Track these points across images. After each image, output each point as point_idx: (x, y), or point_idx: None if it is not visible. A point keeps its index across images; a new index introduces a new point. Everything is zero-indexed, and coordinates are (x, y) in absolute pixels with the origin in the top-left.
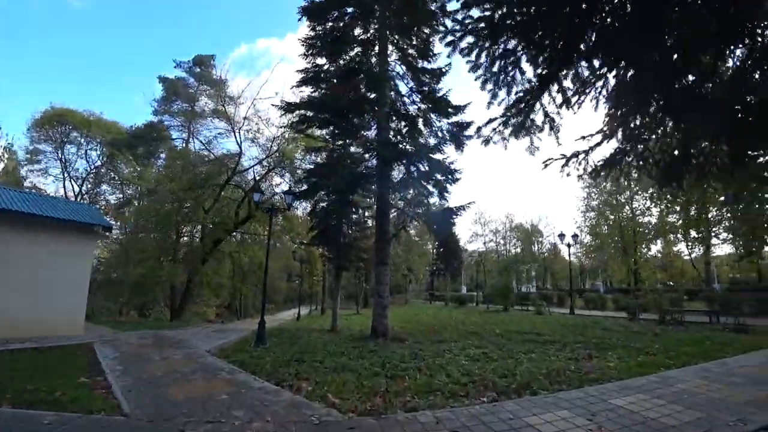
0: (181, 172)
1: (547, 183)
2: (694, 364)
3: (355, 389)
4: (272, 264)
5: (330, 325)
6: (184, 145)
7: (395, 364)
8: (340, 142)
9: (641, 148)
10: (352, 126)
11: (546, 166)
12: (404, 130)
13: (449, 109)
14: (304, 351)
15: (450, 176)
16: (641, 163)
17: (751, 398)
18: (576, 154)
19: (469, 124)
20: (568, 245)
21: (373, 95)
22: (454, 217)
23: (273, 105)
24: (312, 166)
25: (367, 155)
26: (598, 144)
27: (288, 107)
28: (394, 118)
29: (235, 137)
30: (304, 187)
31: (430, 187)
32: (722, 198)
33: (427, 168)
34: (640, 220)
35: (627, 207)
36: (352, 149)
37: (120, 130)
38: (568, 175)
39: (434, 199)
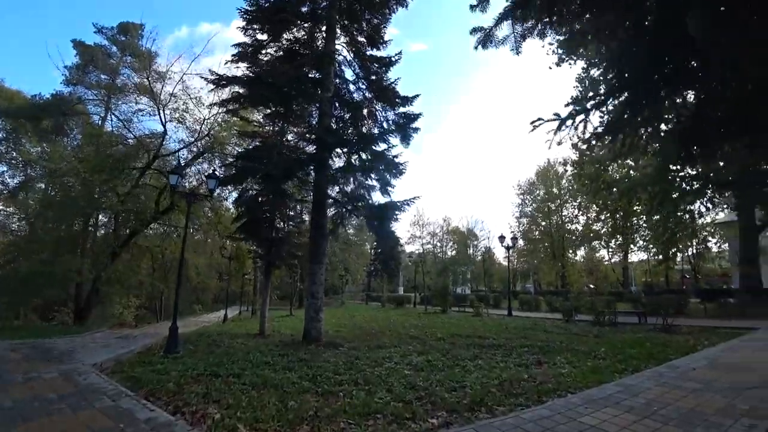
0: (94, 152)
1: (483, 189)
2: (646, 369)
3: (276, 414)
4: (199, 261)
5: (258, 329)
6: (100, 122)
7: (328, 377)
8: (277, 128)
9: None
10: (292, 109)
11: (534, 128)
12: (347, 118)
13: (397, 100)
14: (221, 362)
15: (394, 170)
16: (655, 125)
17: (720, 406)
18: (573, 115)
19: (416, 116)
20: (508, 247)
21: (317, 75)
22: (397, 213)
23: (202, 77)
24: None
25: (305, 143)
26: (603, 101)
27: (219, 81)
28: (337, 105)
29: (160, 116)
30: (233, 171)
31: (372, 181)
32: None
33: (369, 159)
34: (568, 227)
35: (557, 215)
36: (290, 137)
37: (25, 101)
38: (559, 143)
39: (376, 195)
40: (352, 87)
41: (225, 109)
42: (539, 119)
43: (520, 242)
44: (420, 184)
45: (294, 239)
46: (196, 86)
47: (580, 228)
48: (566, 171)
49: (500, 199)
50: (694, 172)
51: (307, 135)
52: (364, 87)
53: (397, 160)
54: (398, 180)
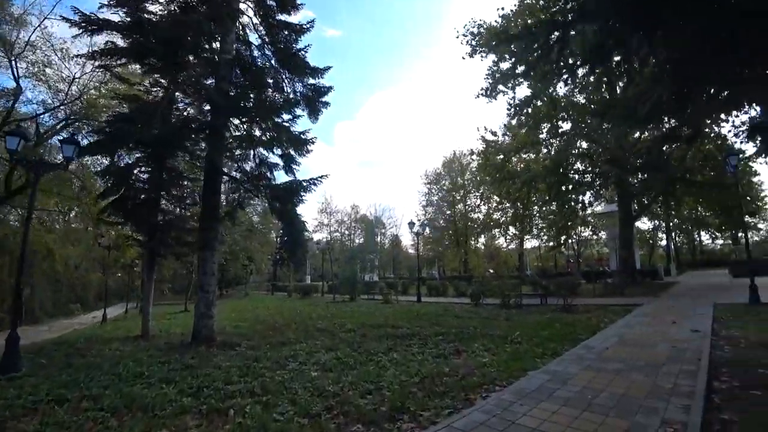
0: None
1: (393, 178)
2: (564, 351)
3: None
4: (73, 251)
5: (140, 330)
6: None
7: (217, 388)
8: (165, 93)
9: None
10: (182, 66)
11: None
12: (249, 85)
13: (306, 70)
14: (77, 379)
15: (300, 146)
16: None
17: (648, 388)
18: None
19: (327, 90)
20: (417, 234)
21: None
22: (303, 194)
23: (66, 20)
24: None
25: (197, 111)
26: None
27: (88, 24)
28: (239, 72)
29: (12, 69)
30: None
31: (275, 157)
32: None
33: (273, 134)
34: (471, 216)
35: (461, 204)
36: (182, 106)
37: None
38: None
39: (280, 176)
40: (256, 53)
41: (98, 64)
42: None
43: (427, 230)
44: (331, 173)
45: (185, 224)
46: (62, 35)
47: (481, 217)
48: (471, 162)
49: (409, 188)
50: (583, 168)
51: (200, 98)
52: (270, 53)
53: (305, 136)
54: (305, 158)
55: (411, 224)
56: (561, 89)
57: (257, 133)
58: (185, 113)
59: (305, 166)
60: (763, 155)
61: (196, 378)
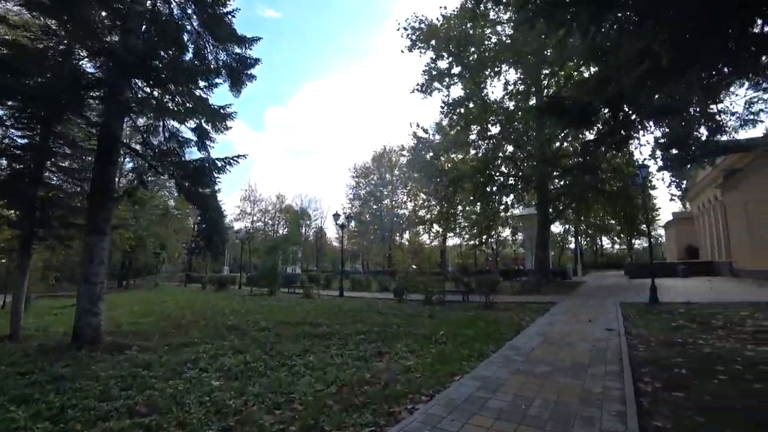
0: None
1: (322, 169)
2: (490, 352)
3: None
4: None
5: (9, 330)
6: None
7: (88, 407)
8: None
9: None
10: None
11: None
12: (163, 43)
13: (232, 37)
14: None
15: (218, 121)
16: None
17: (579, 393)
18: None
19: (254, 62)
20: (342, 226)
21: None
22: (218, 174)
23: None
24: None
25: (96, 67)
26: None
27: None
28: (153, 31)
29: None
30: None
31: (187, 131)
32: (461, 198)
33: (189, 104)
34: (397, 212)
35: (388, 199)
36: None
37: None
38: None
39: (194, 153)
40: (176, 10)
41: None
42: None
43: (352, 223)
44: (259, 160)
45: (73, 202)
46: None
47: (407, 213)
48: (401, 159)
49: (338, 180)
50: (507, 171)
51: (100, 52)
52: (192, 12)
53: (224, 110)
54: (223, 135)
55: (336, 216)
56: (492, 94)
57: (170, 103)
58: (81, 68)
59: (229, 150)
60: (667, 170)
61: (62, 394)
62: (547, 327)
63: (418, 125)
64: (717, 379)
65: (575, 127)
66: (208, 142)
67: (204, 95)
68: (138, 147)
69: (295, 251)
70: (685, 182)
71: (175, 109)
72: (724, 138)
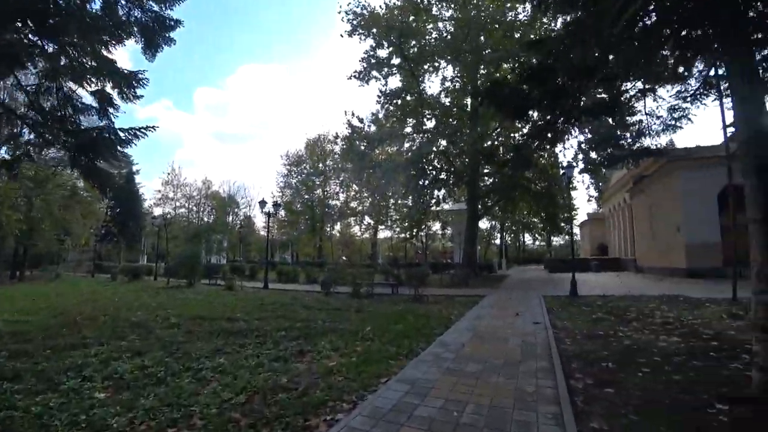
0: None
1: (254, 154)
2: (420, 349)
3: None
4: None
5: None
6: None
7: None
8: None
9: None
10: None
11: None
12: None
13: None
14: None
15: (126, 86)
16: None
17: (512, 394)
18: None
19: (175, 24)
20: (268, 214)
21: None
22: (120, 147)
23: None
24: None
25: None
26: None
27: None
28: None
29: None
30: None
31: (86, 95)
32: (394, 190)
33: (91, 64)
34: (329, 203)
35: (321, 189)
36: None
37: None
38: None
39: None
40: None
41: None
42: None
43: (282, 212)
44: (186, 142)
45: None
46: None
47: (339, 204)
48: (335, 149)
49: (270, 168)
50: (440, 166)
51: None
52: None
53: (137, 74)
54: (131, 104)
55: (262, 203)
56: (429, 89)
57: (62, 58)
58: None
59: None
60: (587, 173)
61: None
62: (476, 321)
63: (353, 114)
64: (641, 371)
65: (512, 117)
66: (111, 110)
67: (110, 55)
68: (25, 110)
69: (220, 240)
70: (602, 184)
71: (74, 65)
72: (647, 141)
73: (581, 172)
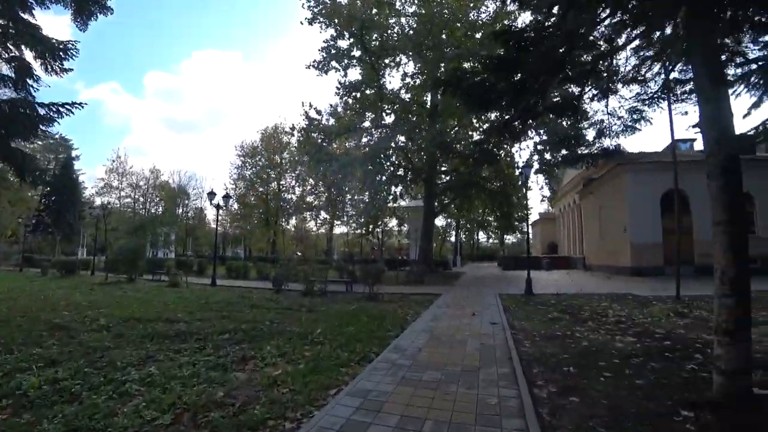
0: None
1: (208, 144)
2: (373, 354)
3: None
4: None
5: None
6: None
7: None
8: None
9: None
10: None
11: None
12: None
13: None
14: None
15: (50, 55)
16: None
17: (473, 408)
18: None
19: None
20: (218, 206)
21: None
22: (42, 126)
23: None
24: None
25: None
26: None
27: None
28: None
29: None
30: None
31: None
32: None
33: (8, 26)
34: (284, 196)
35: (276, 182)
36: None
37: None
38: None
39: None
40: None
41: None
42: None
43: (235, 205)
44: (135, 130)
45: None
46: None
47: (295, 198)
48: (291, 141)
49: (222, 159)
50: (398, 162)
51: None
52: None
53: (60, 45)
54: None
55: (211, 194)
56: (390, 84)
57: None
58: None
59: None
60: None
61: None
62: (433, 322)
63: (311, 105)
64: (603, 376)
65: (475, 109)
66: (30, 82)
67: (32, 20)
68: None
69: (167, 233)
70: (555, 185)
71: None
72: (607, 142)
73: (536, 172)
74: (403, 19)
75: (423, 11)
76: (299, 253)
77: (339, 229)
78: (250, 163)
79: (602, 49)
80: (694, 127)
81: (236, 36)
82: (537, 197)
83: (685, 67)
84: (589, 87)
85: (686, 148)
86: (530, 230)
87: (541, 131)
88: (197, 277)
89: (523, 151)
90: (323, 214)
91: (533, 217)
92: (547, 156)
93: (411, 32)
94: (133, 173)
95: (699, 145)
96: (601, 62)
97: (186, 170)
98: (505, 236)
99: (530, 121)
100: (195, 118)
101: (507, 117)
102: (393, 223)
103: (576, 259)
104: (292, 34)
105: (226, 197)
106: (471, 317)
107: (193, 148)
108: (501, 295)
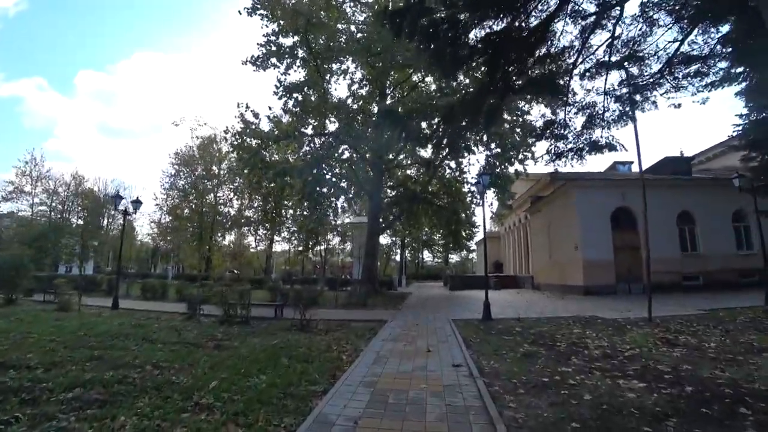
0: None
1: (143, 151)
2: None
3: None
4: None
5: None
6: None
7: None
8: None
9: None
10: None
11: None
12: None
13: None
14: None
15: None
16: None
17: None
18: None
19: None
20: (125, 212)
21: None
22: None
23: None
24: None
25: None
26: None
27: None
28: None
29: None
30: None
31: None
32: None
33: None
34: (221, 210)
35: (212, 194)
36: None
37: None
38: None
39: None
40: None
41: None
42: None
43: (165, 217)
44: (61, 132)
45: None
46: None
47: (233, 212)
48: (230, 151)
49: (157, 168)
50: (341, 173)
51: None
52: None
53: None
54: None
55: (117, 197)
56: (336, 91)
57: None
58: None
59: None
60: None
61: None
62: (377, 366)
63: (247, 107)
64: None
65: (444, 66)
66: None
67: None
68: None
69: (73, 245)
70: (510, 199)
71: None
72: (597, 133)
73: (486, 187)
74: (353, 27)
75: (373, 19)
76: (235, 271)
77: (281, 246)
78: (185, 173)
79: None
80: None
81: (182, 40)
82: (481, 215)
83: (698, 37)
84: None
85: (625, 170)
86: (476, 249)
87: (493, 145)
88: (105, 297)
89: (472, 167)
90: (261, 231)
91: (479, 236)
92: (498, 170)
93: (360, 35)
94: (51, 178)
95: (636, 168)
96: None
97: (114, 178)
98: (449, 255)
99: (508, 96)
100: (131, 123)
101: (481, 88)
102: (336, 240)
103: (524, 278)
104: (243, 43)
105: (136, 202)
106: (426, 355)
107: (128, 156)
108: (456, 321)
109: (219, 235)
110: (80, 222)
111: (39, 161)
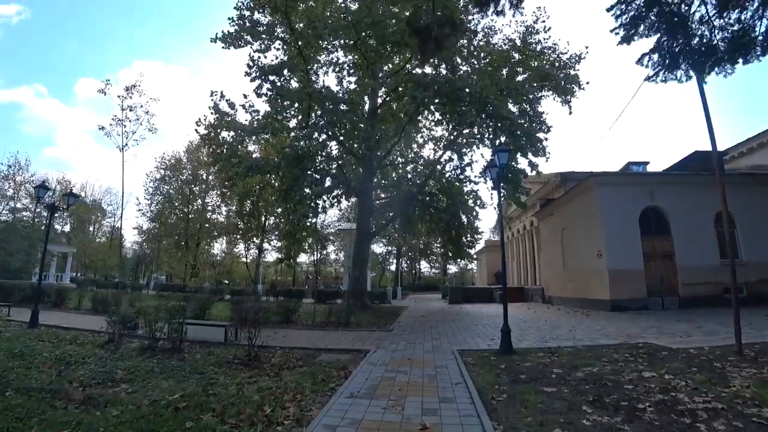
0: None
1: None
2: None
3: None
4: None
5: None
6: None
7: None
8: None
9: None
10: None
11: None
12: None
13: None
14: None
15: None
16: None
17: None
18: None
19: None
20: (52, 207)
21: None
22: None
23: None
24: None
25: None
26: None
27: None
28: None
29: None
30: None
31: None
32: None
33: None
34: (209, 216)
35: (200, 200)
36: None
37: None
38: None
39: None
40: None
41: None
42: None
43: (152, 224)
44: (60, 140)
45: None
46: None
47: (222, 219)
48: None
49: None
50: (327, 169)
51: None
52: None
53: None
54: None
55: (42, 188)
56: (323, 81)
57: None
58: None
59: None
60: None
61: None
62: None
63: (222, 96)
64: None
65: None
66: None
67: None
68: None
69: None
70: (526, 196)
71: None
72: None
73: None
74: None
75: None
76: (225, 282)
77: (271, 256)
78: (171, 177)
79: None
80: None
81: (182, 50)
82: (482, 223)
83: None
84: None
85: (639, 170)
86: (479, 259)
87: (502, 137)
88: (53, 308)
89: (475, 164)
90: (250, 236)
91: (480, 244)
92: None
93: (349, 16)
94: (34, 182)
95: (651, 167)
96: None
97: (102, 183)
98: (447, 266)
99: None
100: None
101: None
102: (331, 248)
103: (533, 291)
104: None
105: (72, 195)
106: None
107: (128, 165)
108: (463, 353)
109: (206, 243)
110: (66, 229)
111: (25, 163)
